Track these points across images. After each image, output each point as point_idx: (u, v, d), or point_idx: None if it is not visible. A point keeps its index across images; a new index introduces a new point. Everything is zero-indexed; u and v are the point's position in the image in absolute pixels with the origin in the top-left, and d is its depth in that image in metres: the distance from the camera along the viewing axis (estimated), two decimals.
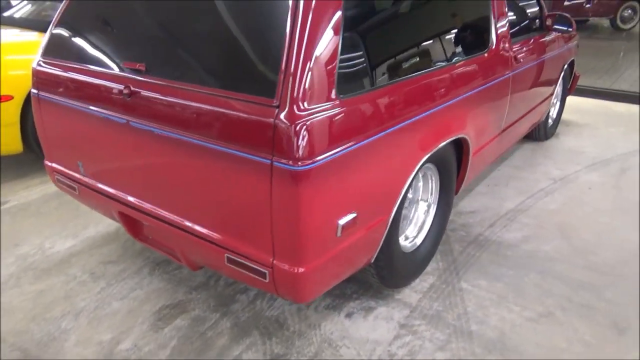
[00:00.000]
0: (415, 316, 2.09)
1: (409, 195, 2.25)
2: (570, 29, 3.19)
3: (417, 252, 2.26)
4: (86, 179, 2.08)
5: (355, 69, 1.55)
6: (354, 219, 1.59)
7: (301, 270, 1.48)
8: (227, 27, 1.56)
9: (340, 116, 1.44)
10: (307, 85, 1.37)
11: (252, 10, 1.52)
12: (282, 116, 1.34)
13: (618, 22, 10.47)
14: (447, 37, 2.11)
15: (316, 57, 1.39)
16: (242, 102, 1.42)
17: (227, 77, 1.50)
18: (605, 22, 11.12)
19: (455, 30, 2.18)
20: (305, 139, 1.35)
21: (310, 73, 1.37)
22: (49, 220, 2.89)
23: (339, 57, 1.46)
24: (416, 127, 1.77)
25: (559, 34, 3.44)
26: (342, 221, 1.55)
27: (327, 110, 1.41)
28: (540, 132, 3.99)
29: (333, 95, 1.44)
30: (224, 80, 1.49)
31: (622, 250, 2.56)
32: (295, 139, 1.34)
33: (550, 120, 4.11)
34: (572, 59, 3.96)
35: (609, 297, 2.21)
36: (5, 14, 4.65)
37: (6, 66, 3.23)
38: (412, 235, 2.28)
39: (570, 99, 5.27)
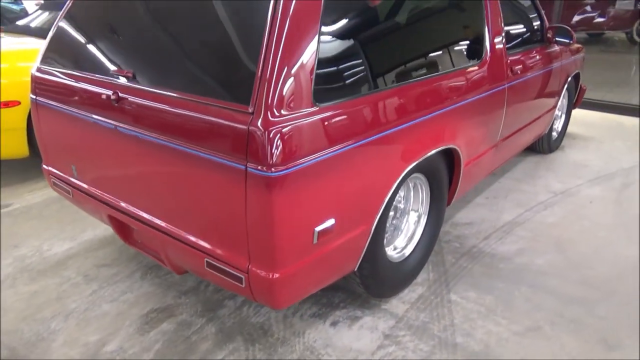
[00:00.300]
0: (401, 327, 2.08)
1: (400, 206, 2.26)
2: (570, 41, 3.16)
3: (405, 262, 2.25)
4: (79, 183, 2.13)
5: (335, 76, 1.56)
6: (331, 226, 1.60)
7: (276, 275, 1.50)
8: (206, 37, 1.60)
9: (316, 124, 1.46)
10: (282, 93, 1.39)
11: (230, 20, 1.55)
12: (255, 123, 1.36)
13: (634, 35, 10.33)
14: (436, 47, 2.11)
15: (291, 66, 1.41)
16: (220, 108, 1.45)
17: (206, 84, 1.53)
18: (621, 35, 10.99)
19: (446, 41, 2.19)
20: (279, 145, 1.37)
21: (285, 81, 1.40)
22: (49, 223, 2.95)
23: (316, 65, 1.48)
24: (398, 137, 1.77)
25: (562, 46, 3.42)
26: (319, 228, 1.56)
27: (303, 117, 1.43)
28: (544, 145, 3.95)
29: (309, 103, 1.45)
30: (203, 87, 1.53)
31: (619, 265, 2.51)
32: (269, 146, 1.36)
33: (554, 133, 4.07)
34: (577, 71, 3.92)
35: (601, 313, 2.17)
36: (20, 22, 4.80)
37: (16, 73, 3.34)
38: (400, 246, 2.27)
39: (579, 112, 5.23)
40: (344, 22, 1.63)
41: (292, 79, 1.42)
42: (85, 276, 2.43)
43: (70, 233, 2.83)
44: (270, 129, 1.36)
